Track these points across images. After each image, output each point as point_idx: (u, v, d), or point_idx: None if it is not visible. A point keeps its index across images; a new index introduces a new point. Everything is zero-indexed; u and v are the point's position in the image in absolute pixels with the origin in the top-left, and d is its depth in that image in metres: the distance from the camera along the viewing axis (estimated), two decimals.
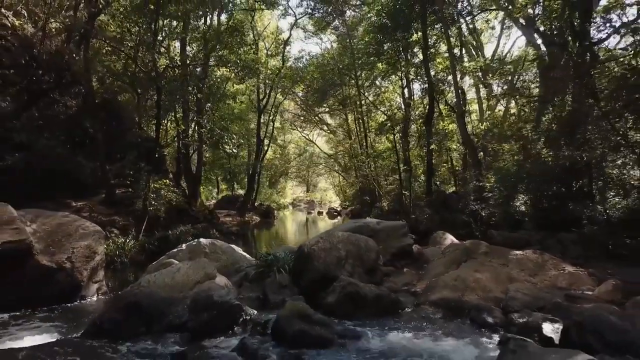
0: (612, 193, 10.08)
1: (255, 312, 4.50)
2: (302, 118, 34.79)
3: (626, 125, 9.81)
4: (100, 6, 11.15)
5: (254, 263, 6.20)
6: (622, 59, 10.70)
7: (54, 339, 4.20)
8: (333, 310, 4.38)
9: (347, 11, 26.15)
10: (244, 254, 6.95)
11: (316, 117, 33.79)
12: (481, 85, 25.88)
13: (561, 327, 3.39)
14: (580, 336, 3.07)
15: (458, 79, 18.02)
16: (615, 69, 10.45)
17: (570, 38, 12.71)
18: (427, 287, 5.12)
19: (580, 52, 11.48)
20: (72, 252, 6.51)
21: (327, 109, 32.22)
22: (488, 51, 27.70)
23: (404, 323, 4.17)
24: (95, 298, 6.64)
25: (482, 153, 15.45)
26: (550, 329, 3.46)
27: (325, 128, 35.87)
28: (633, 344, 2.91)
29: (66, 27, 13.46)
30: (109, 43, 12.35)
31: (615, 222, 8.48)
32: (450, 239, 8.21)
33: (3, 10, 14.27)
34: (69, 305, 6.14)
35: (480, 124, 19.89)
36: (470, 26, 20.80)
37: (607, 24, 12.72)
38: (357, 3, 26.06)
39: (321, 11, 24.87)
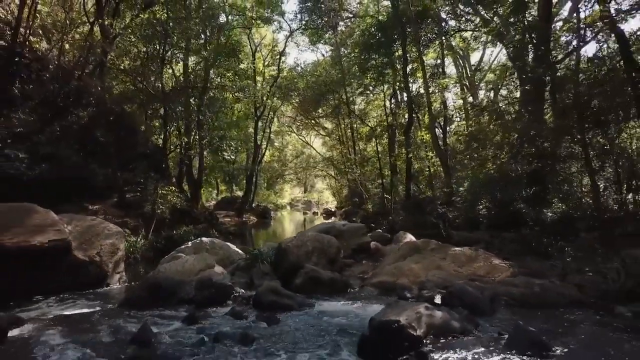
0: (556, 199, 11.79)
1: (243, 291, 6.18)
2: (298, 122, 36.31)
3: (575, 138, 11.49)
4: (113, 35, 12.76)
5: (244, 257, 7.88)
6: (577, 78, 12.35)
7: (98, 309, 5.87)
8: (299, 289, 6.05)
9: (340, 23, 27.75)
10: (237, 249, 8.62)
11: (312, 121, 35.30)
12: (468, 93, 27.44)
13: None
14: (450, 300, 4.74)
15: (436, 91, 19.66)
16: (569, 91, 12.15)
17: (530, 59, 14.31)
18: (373, 274, 6.79)
19: (540, 72, 13.08)
20: (100, 249, 8.13)
21: (322, 114, 33.78)
22: (476, 57, 29.32)
23: (349, 297, 5.85)
24: (117, 285, 8.22)
25: (467, 158, 17.07)
26: (439, 298, 5.12)
27: (322, 131, 37.40)
28: (478, 304, 4.58)
29: (81, 54, 15.09)
30: (120, 68, 13.98)
31: (548, 224, 10.14)
32: (409, 237, 9.85)
33: (20, 28, 15.87)
34: (98, 290, 7.73)
35: (466, 129, 21.52)
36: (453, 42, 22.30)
37: (563, 47, 14.38)
38: (350, 16, 27.72)
39: (314, 24, 26.37)
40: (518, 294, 5.01)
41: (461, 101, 25.85)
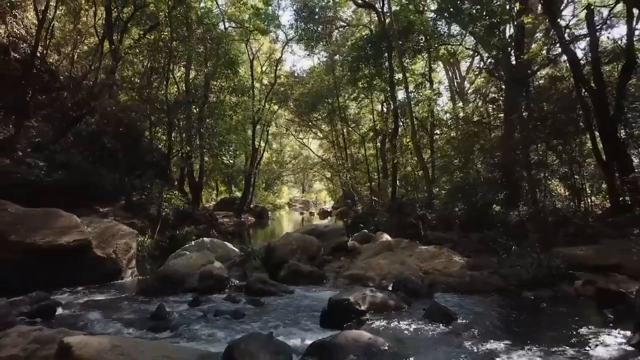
0: (521, 202, 13.11)
1: (238, 281, 7.52)
2: (295, 124, 37.53)
3: (539, 148, 12.84)
4: (121, 56, 14.08)
5: (239, 254, 9.22)
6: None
7: (119, 296, 7.20)
8: (283, 280, 7.40)
9: (335, 32, 29.00)
10: (234, 248, 9.97)
11: (309, 123, 36.53)
12: (458, 99, 28.65)
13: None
14: (397, 286, 6.08)
15: (422, 100, 20.90)
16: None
17: (503, 73, 15.53)
18: (347, 268, 8.12)
19: (515, 85, 14.34)
20: (116, 247, 9.42)
21: (318, 117, 35.03)
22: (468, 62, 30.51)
23: (323, 286, 7.19)
24: (130, 278, 9.45)
25: (456, 161, 18.33)
26: (391, 286, 6.45)
27: (319, 133, 38.63)
28: (416, 290, 5.92)
29: (90, 67, 16.38)
30: (126, 80, 15.32)
31: (511, 225, 11.46)
32: (385, 237, 11.14)
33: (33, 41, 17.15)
34: (114, 282, 8.97)
35: (456, 134, 22.82)
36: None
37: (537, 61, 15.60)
38: (344, 24, 29.00)
39: (310, 33, 27.52)
40: (453, 282, 6.34)
41: (451, 105, 27.14)
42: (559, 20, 11.44)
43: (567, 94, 12.05)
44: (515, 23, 14.00)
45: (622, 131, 11.27)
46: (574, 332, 4.39)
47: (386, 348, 3.72)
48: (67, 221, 8.95)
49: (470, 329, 4.52)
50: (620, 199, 10.70)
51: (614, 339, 4.14)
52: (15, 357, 3.13)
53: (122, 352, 2.92)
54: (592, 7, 9.97)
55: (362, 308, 4.91)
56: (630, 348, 3.91)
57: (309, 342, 4.12)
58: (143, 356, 2.91)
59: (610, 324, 4.59)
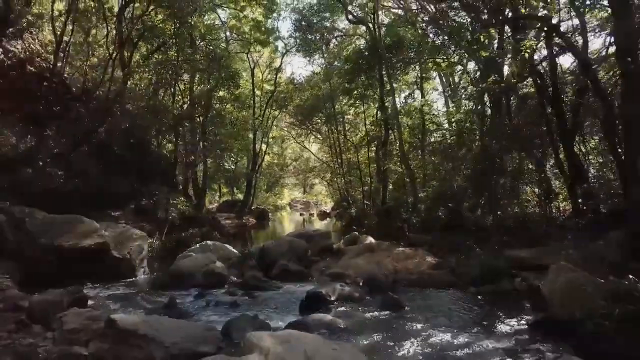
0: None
1: (236, 278, 8.87)
2: (296, 127, 38.78)
3: (514, 158, 14.10)
4: (131, 74, 15.43)
5: (238, 255, 10.58)
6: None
7: (136, 291, 8.54)
8: (274, 278, 8.74)
9: (332, 40, 30.25)
10: (234, 250, 11.31)
11: (310, 126, 37.74)
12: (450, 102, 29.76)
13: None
14: (367, 282, 7.39)
15: (412, 109, 22.11)
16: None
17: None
18: (330, 267, 9.44)
19: (497, 95, 15.54)
20: (130, 249, 10.72)
21: (317, 122, 36.29)
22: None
23: (308, 283, 8.51)
24: (142, 277, 10.69)
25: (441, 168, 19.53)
26: (362, 282, 7.75)
27: (319, 136, 39.83)
28: (380, 285, 7.23)
29: (101, 81, 17.73)
30: (136, 96, 16.70)
31: (482, 229, 12.72)
32: (369, 239, 12.42)
33: (47, 55, 18.52)
34: (129, 280, 10.24)
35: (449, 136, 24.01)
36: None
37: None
38: (341, 35, 30.26)
39: (308, 42, 28.72)
40: (413, 279, 7.66)
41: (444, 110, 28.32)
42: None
43: (535, 110, 13.31)
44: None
45: (582, 145, 12.56)
46: (492, 317, 5.68)
47: (342, 326, 5.04)
48: (88, 226, 10.24)
49: (413, 314, 5.83)
50: (580, 205, 11.94)
51: (519, 321, 5.43)
52: (76, 330, 4.46)
53: (151, 325, 4.24)
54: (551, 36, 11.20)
55: (332, 298, 6.23)
56: (526, 327, 5.20)
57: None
58: (164, 327, 4.23)
59: (524, 311, 5.88)
